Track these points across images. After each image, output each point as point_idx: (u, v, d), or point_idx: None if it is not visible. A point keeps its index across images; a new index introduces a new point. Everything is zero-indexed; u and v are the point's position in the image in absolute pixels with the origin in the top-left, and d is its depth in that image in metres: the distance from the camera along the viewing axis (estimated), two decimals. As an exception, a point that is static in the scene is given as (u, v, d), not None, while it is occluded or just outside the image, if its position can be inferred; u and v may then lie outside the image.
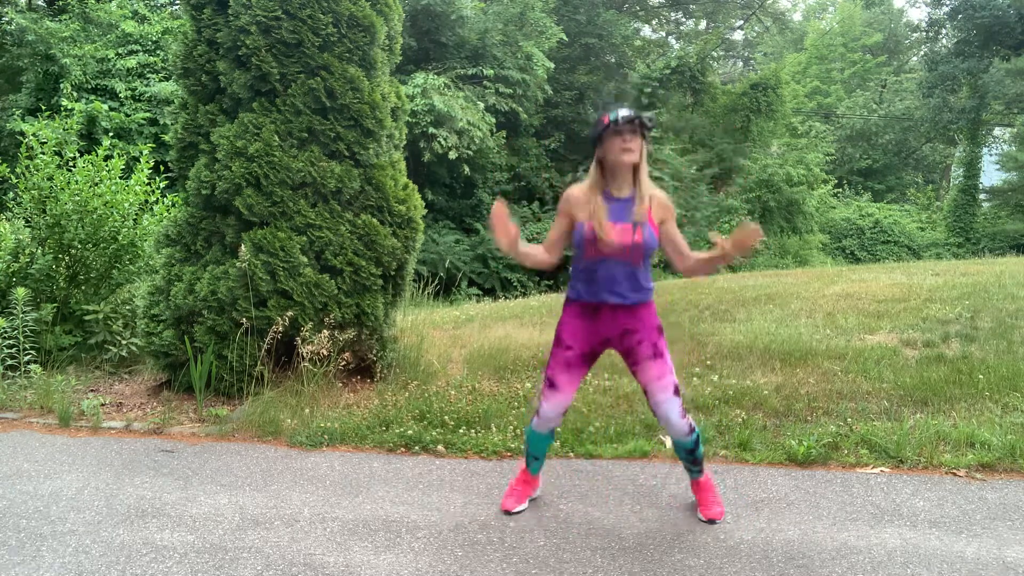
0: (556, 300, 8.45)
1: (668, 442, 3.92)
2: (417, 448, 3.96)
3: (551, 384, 3.02)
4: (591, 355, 3.05)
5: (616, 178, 2.89)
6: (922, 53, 32.00)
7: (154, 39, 14.18)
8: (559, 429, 4.06)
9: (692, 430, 2.99)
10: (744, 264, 17.06)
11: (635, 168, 2.87)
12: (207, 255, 4.73)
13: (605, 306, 2.93)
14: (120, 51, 13.86)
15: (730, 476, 3.53)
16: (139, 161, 6.45)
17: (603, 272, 2.89)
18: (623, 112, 2.79)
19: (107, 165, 6.15)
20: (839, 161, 29.49)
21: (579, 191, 2.94)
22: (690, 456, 3.06)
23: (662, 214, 2.93)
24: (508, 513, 3.16)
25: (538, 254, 3.00)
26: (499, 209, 2.78)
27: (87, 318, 5.72)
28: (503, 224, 2.78)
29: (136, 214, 6.22)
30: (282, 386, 4.55)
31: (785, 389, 4.53)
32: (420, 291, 7.53)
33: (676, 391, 2.98)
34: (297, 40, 4.57)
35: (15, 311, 5.25)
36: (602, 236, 2.82)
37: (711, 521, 3.06)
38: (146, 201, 6.39)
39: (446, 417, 4.24)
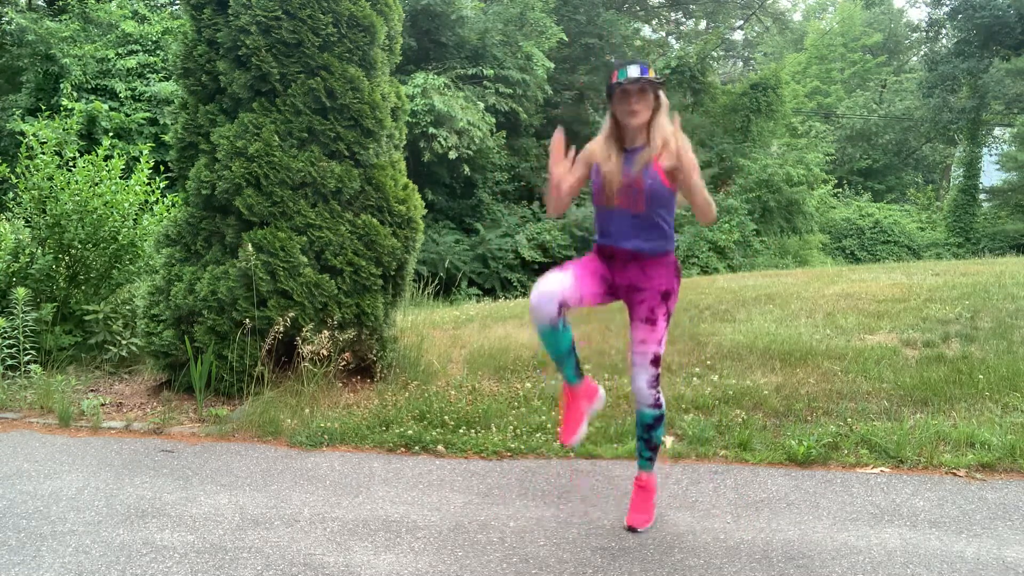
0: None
1: (668, 442, 3.92)
2: (417, 448, 3.96)
3: (561, 268, 2.85)
4: (609, 284, 2.92)
5: (628, 132, 2.85)
6: (922, 53, 32.02)
7: (154, 39, 14.19)
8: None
9: (658, 404, 2.90)
10: (744, 264, 17.06)
11: (649, 121, 2.81)
12: (207, 255, 4.73)
13: (619, 253, 2.89)
14: (120, 51, 13.87)
15: (730, 476, 3.53)
16: (139, 161, 6.45)
17: (613, 222, 2.87)
18: (631, 71, 2.75)
19: (107, 165, 6.15)
20: (839, 161, 29.50)
21: (597, 143, 2.92)
22: (646, 433, 2.95)
23: (671, 162, 2.71)
24: (565, 446, 3.01)
25: (565, 194, 2.85)
26: (559, 137, 2.77)
27: (87, 318, 5.72)
28: (559, 153, 2.77)
29: (136, 214, 6.22)
30: (282, 386, 4.55)
31: (785, 389, 4.53)
32: (420, 291, 7.53)
33: (655, 361, 2.88)
34: (297, 40, 4.57)
35: (15, 311, 5.25)
36: (611, 187, 2.81)
37: (631, 529, 2.96)
38: (146, 201, 6.39)
39: (446, 417, 4.24)
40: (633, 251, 2.85)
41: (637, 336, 2.91)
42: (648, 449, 3.01)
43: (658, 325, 2.89)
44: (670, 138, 2.73)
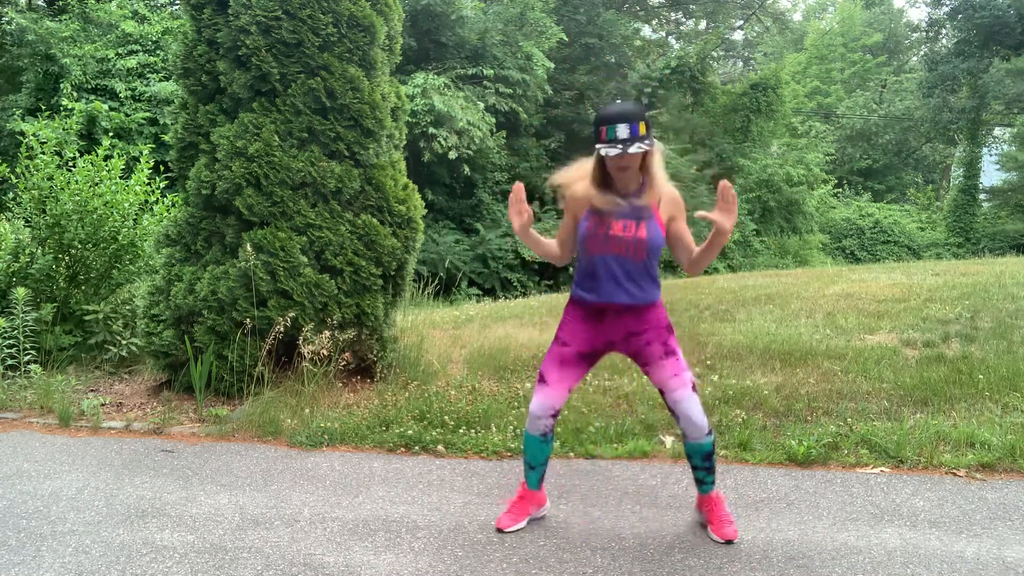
0: (556, 300, 8.45)
1: (668, 442, 3.92)
2: (417, 448, 3.96)
3: (541, 379, 2.92)
4: (591, 355, 2.93)
5: (619, 179, 2.77)
6: (922, 53, 32.02)
7: (154, 39, 14.19)
8: (555, 440, 4.06)
9: (711, 431, 2.86)
10: (744, 264, 17.07)
11: (642, 165, 2.75)
12: (207, 255, 4.73)
13: (610, 308, 2.81)
14: (120, 51, 13.87)
15: (730, 476, 3.53)
16: (139, 161, 6.45)
17: (606, 269, 2.77)
18: (620, 131, 2.63)
19: (107, 165, 6.15)
20: (839, 161, 29.51)
21: (582, 189, 2.82)
22: (706, 462, 2.88)
23: (671, 211, 2.80)
24: (501, 532, 2.97)
25: (549, 245, 2.94)
26: (518, 188, 2.77)
27: (87, 318, 5.72)
28: (518, 204, 2.76)
29: (136, 214, 6.22)
30: (282, 386, 4.55)
31: (785, 389, 4.53)
32: (420, 291, 7.54)
33: (694, 388, 2.85)
34: (297, 40, 4.57)
35: (15, 311, 5.25)
36: (593, 225, 2.76)
37: (728, 542, 2.87)
38: (146, 201, 6.39)
39: (446, 417, 4.24)
40: (627, 304, 2.80)
41: (666, 373, 2.85)
42: (710, 473, 2.93)
43: (678, 353, 2.87)
44: (667, 187, 2.79)
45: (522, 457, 3.11)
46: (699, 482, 2.97)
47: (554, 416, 2.93)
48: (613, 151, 2.64)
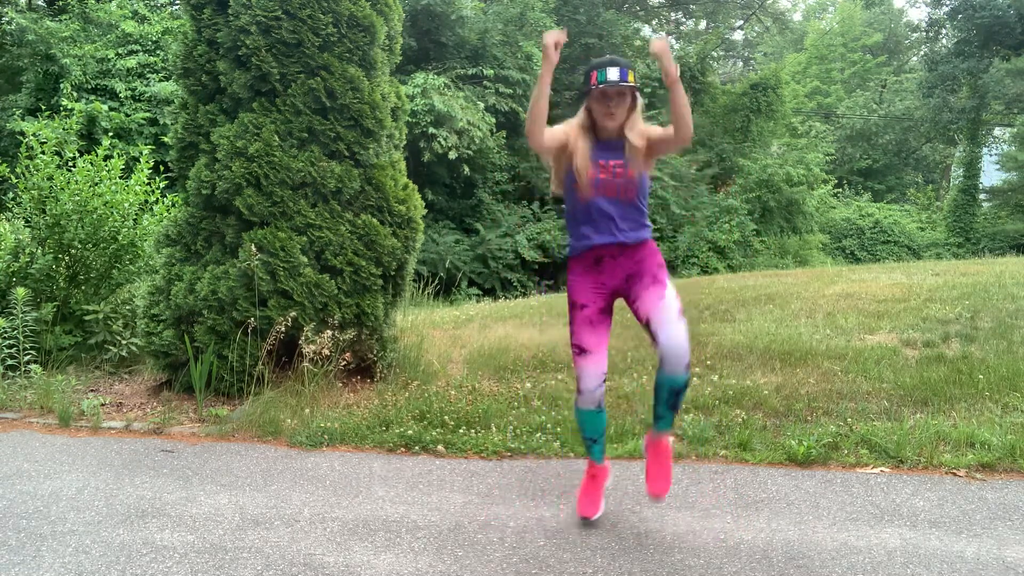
0: (556, 300, 8.45)
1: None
2: (417, 448, 3.96)
3: (580, 350, 2.86)
4: (607, 309, 2.95)
5: (605, 128, 2.86)
6: (922, 53, 32.01)
7: (154, 39, 14.19)
8: (555, 440, 4.06)
9: (689, 365, 2.79)
10: (744, 264, 17.06)
11: (627, 117, 2.84)
12: (207, 255, 4.73)
13: (606, 253, 2.88)
14: (120, 51, 13.87)
15: (730, 476, 3.53)
16: (139, 161, 6.45)
17: (597, 212, 2.85)
18: (611, 74, 2.73)
19: (107, 165, 6.16)
20: (839, 161, 29.50)
21: (572, 128, 2.89)
22: (673, 398, 2.81)
23: (644, 135, 2.85)
24: (588, 520, 2.98)
25: (544, 108, 2.75)
26: (560, 39, 2.72)
27: (87, 318, 5.72)
28: (553, 48, 2.69)
29: (136, 214, 6.22)
30: (282, 386, 4.55)
31: (785, 389, 4.52)
32: (420, 291, 7.54)
33: (681, 313, 2.79)
34: (297, 40, 4.57)
35: (15, 311, 5.25)
36: (583, 178, 2.82)
37: (656, 498, 2.95)
38: (146, 201, 6.39)
39: (446, 417, 4.24)
40: (621, 243, 2.86)
41: (652, 299, 2.81)
42: (672, 410, 2.87)
43: (667, 284, 2.85)
44: (643, 126, 2.85)
45: (581, 436, 3.05)
46: (658, 417, 2.91)
47: (604, 382, 2.88)
48: (612, 75, 2.71)
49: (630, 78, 2.75)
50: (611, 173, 2.84)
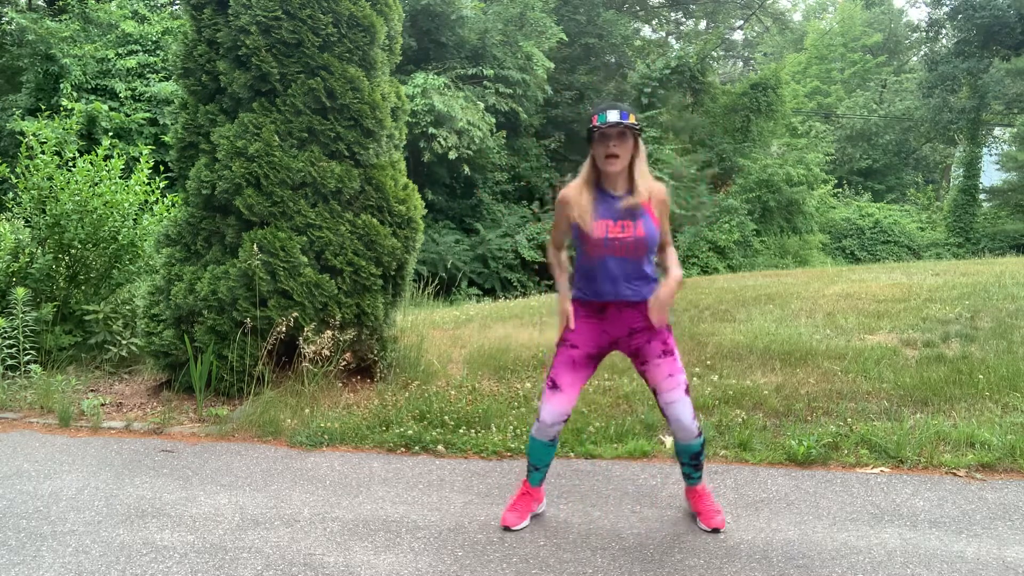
0: (556, 300, 8.44)
1: (668, 442, 3.92)
2: (417, 448, 3.96)
3: (553, 384, 2.94)
4: (597, 356, 2.99)
5: (608, 177, 2.85)
6: (922, 53, 31.97)
7: (154, 39, 14.19)
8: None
9: (700, 433, 2.92)
10: (744, 264, 17.07)
11: (630, 167, 2.83)
12: (207, 255, 4.73)
13: (611, 305, 2.88)
14: (120, 51, 13.87)
15: (730, 476, 3.53)
16: (139, 161, 6.45)
17: (605, 269, 2.84)
18: (610, 115, 2.75)
19: (107, 165, 6.16)
20: (839, 161, 29.50)
21: (572, 191, 2.90)
22: (694, 461, 2.97)
23: (661, 209, 2.88)
24: (508, 530, 3.01)
25: (563, 270, 3.05)
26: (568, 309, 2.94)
27: (87, 318, 5.72)
28: (566, 318, 2.93)
29: (136, 214, 6.22)
30: (282, 386, 4.55)
31: (785, 389, 4.53)
32: (420, 291, 7.53)
33: (687, 390, 2.91)
34: (297, 40, 4.57)
35: (15, 311, 5.25)
36: (587, 232, 2.81)
37: (715, 531, 2.96)
38: (146, 201, 6.39)
39: (446, 417, 4.24)
40: (629, 301, 2.86)
41: (662, 373, 2.89)
42: (696, 470, 3.02)
43: (675, 354, 2.92)
44: (656, 185, 2.87)
45: (526, 458, 3.13)
46: (687, 476, 3.07)
47: (564, 422, 2.97)
48: (611, 116, 2.74)
49: (630, 119, 2.77)
50: (620, 231, 2.81)
